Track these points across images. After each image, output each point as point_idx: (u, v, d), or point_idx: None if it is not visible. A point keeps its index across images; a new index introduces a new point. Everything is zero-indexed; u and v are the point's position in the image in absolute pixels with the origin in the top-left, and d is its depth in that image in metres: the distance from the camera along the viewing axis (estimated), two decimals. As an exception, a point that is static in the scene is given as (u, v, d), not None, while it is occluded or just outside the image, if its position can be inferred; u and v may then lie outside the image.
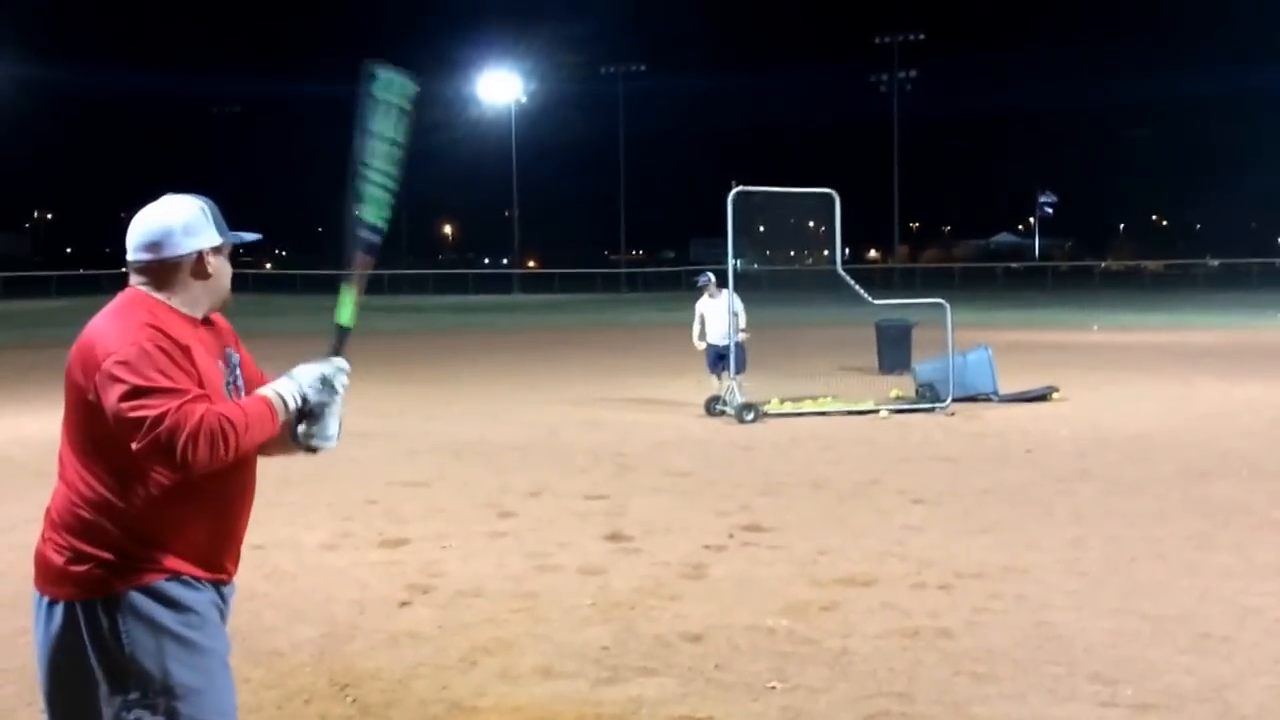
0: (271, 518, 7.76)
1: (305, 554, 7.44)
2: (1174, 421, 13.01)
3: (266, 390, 2.88)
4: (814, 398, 14.45)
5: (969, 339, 16.38)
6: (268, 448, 2.97)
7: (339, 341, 3.03)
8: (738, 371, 13.76)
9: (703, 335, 14.33)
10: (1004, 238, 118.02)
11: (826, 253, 16.37)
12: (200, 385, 2.76)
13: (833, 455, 11.12)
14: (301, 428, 2.93)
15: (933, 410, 13.87)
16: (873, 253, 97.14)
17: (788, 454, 11.22)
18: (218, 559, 2.92)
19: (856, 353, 18.93)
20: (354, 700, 4.98)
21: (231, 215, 3.04)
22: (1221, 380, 16.87)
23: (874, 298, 15.24)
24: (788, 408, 13.94)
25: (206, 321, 2.97)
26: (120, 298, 2.89)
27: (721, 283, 14.18)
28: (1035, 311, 37.95)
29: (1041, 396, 14.78)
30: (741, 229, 14.65)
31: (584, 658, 5.44)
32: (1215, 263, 68.45)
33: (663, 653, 5.50)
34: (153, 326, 2.76)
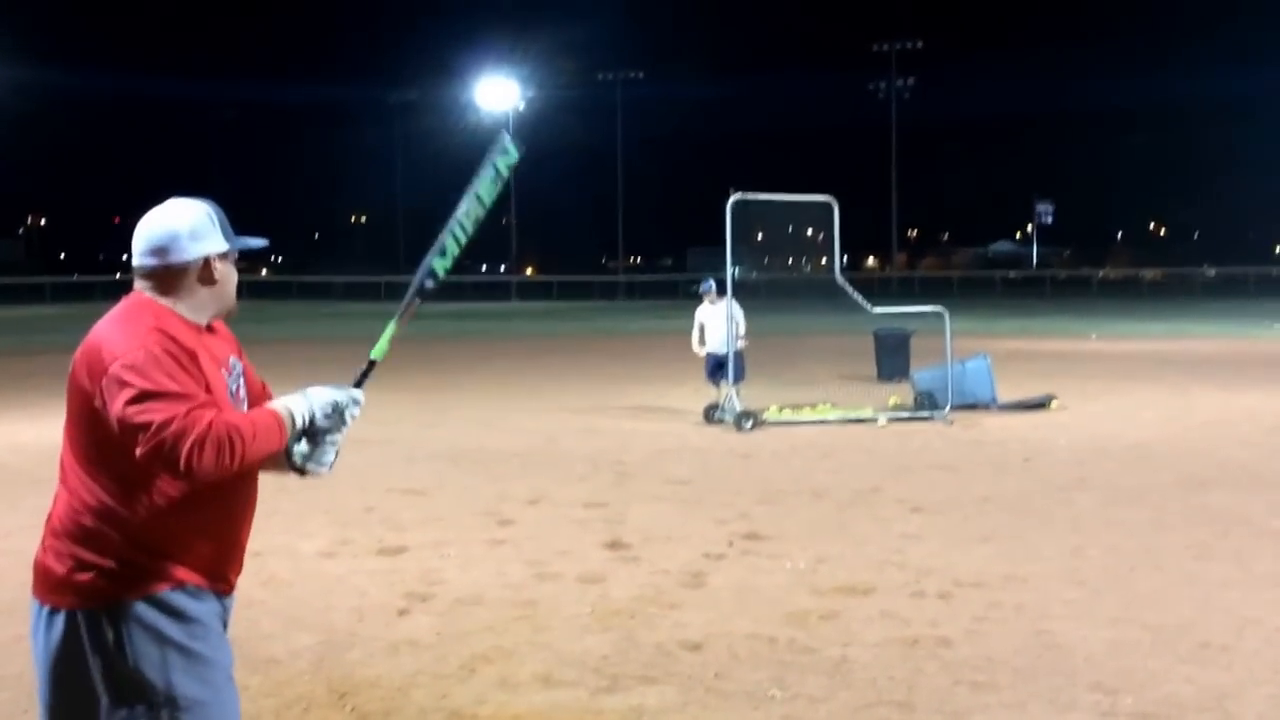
0: (268, 525, 7.74)
1: (303, 561, 7.42)
2: (1173, 430, 13.01)
3: (277, 404, 2.86)
4: (813, 406, 14.45)
5: (967, 347, 16.38)
6: (263, 461, 2.95)
7: (365, 373, 3.07)
8: (736, 380, 13.75)
9: (702, 342, 14.34)
10: (1002, 246, 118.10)
11: (825, 260, 16.31)
12: (207, 392, 2.74)
13: (832, 463, 11.11)
14: (299, 447, 2.92)
15: (931, 418, 13.87)
16: (871, 260, 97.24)
17: (787, 462, 11.21)
18: (221, 569, 2.90)
19: (855, 361, 18.93)
20: (353, 709, 4.97)
21: (228, 221, 3.04)
22: (1220, 389, 16.87)
23: (872, 305, 15.23)
24: (786, 416, 13.93)
25: (210, 329, 2.96)
26: (126, 302, 2.87)
27: (721, 290, 14.18)
28: (1033, 320, 37.96)
29: (1040, 405, 14.78)
30: (740, 237, 14.63)
31: (584, 666, 5.43)
32: (1213, 271, 68.49)
33: (663, 661, 5.49)
34: (160, 331, 2.74)
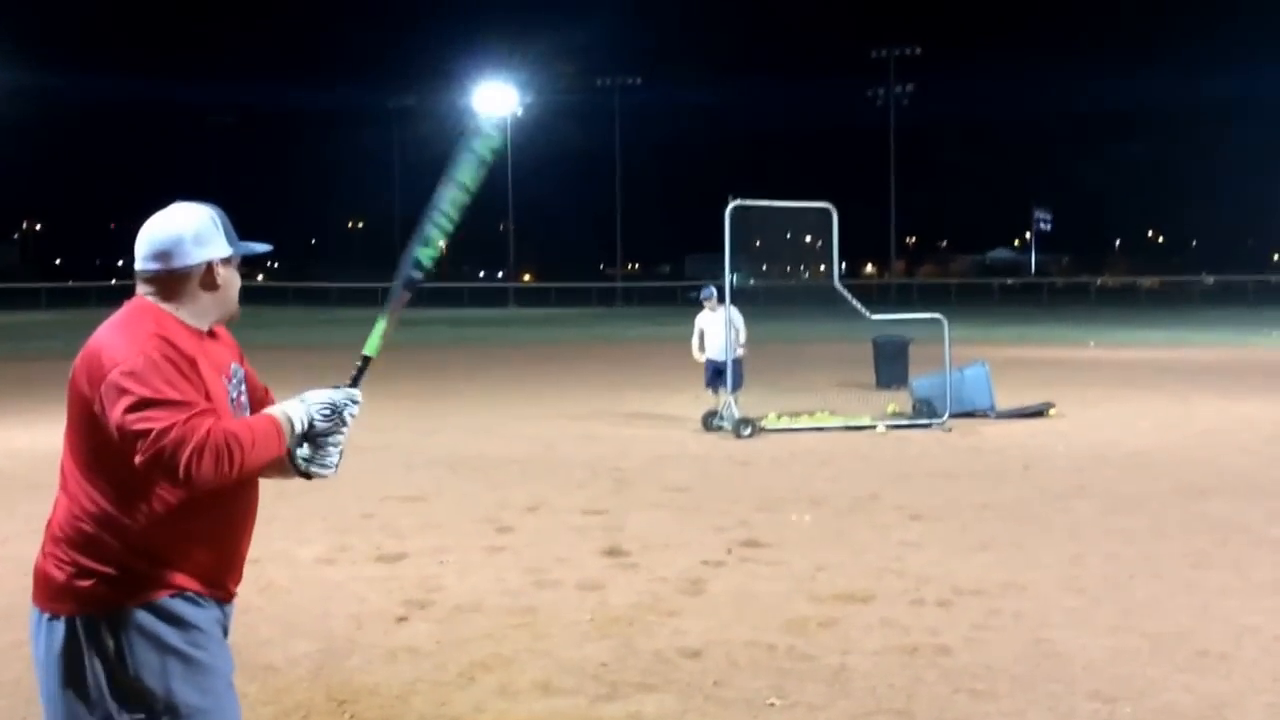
0: (266, 531, 7.69)
1: (301, 568, 7.41)
2: (1171, 438, 13.01)
3: (275, 410, 2.85)
4: (811, 413, 14.45)
5: (966, 355, 16.39)
6: (264, 468, 2.95)
7: (359, 372, 3.04)
8: (735, 387, 13.75)
9: (702, 348, 14.34)
10: (1000, 253, 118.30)
11: (823, 267, 16.32)
12: (207, 399, 2.73)
13: (830, 471, 11.11)
14: (302, 451, 2.91)
15: (930, 426, 13.88)
16: (869, 267, 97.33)
17: (786, 469, 11.21)
18: (221, 577, 2.89)
19: (854, 368, 18.92)
20: (351, 716, 4.96)
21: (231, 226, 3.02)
22: (1219, 397, 16.88)
23: (871, 312, 15.23)
24: (785, 423, 13.93)
25: (211, 334, 2.94)
26: (127, 307, 2.85)
27: (721, 297, 14.18)
28: (1032, 327, 38.00)
29: (1038, 413, 14.79)
30: (739, 244, 14.63)
31: (583, 673, 5.42)
32: (1211, 279, 68.61)
33: (661, 669, 5.48)
34: (161, 337, 2.72)
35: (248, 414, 2.94)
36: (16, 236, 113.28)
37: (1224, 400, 16.53)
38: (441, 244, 3.18)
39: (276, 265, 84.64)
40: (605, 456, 11.90)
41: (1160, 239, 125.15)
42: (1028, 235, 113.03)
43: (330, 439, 2.92)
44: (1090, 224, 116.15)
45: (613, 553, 7.80)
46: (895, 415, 14.59)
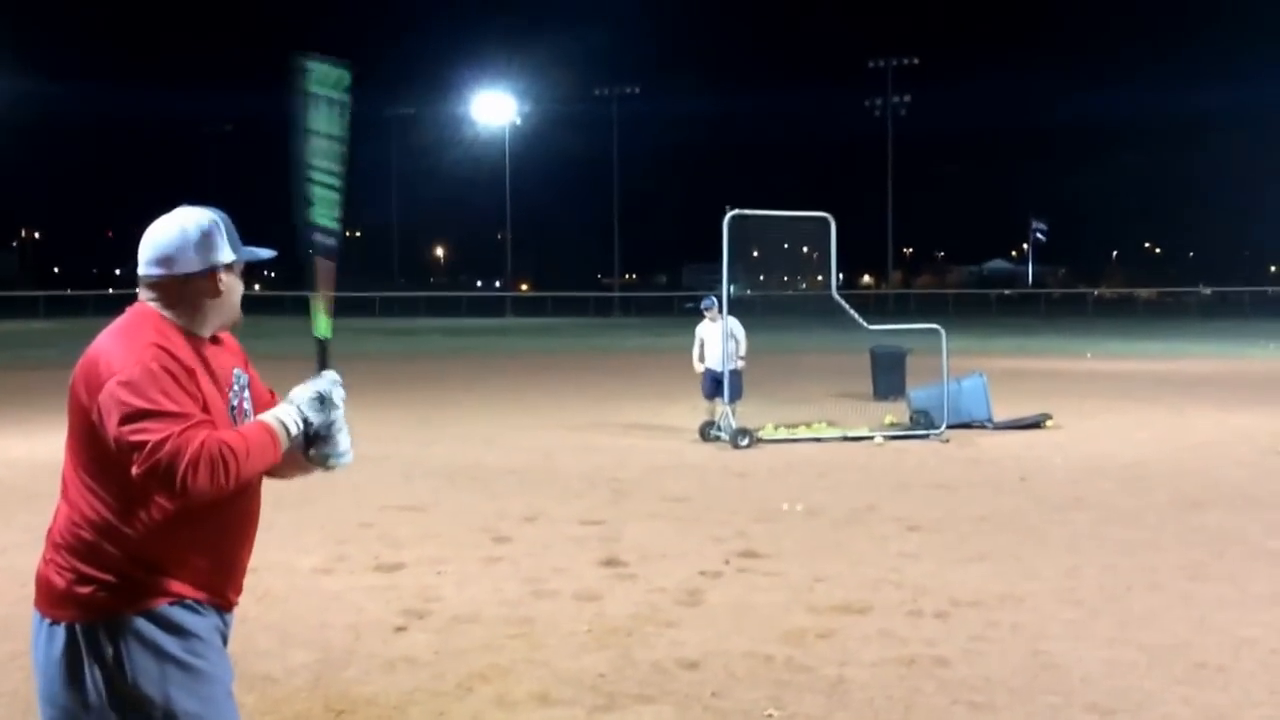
0: (264, 540, 7.65)
1: (299, 577, 7.40)
2: (1168, 450, 13.02)
3: (267, 417, 2.83)
4: (809, 424, 14.46)
5: (963, 366, 16.40)
6: (282, 471, 2.94)
7: (322, 355, 3.00)
8: (732, 398, 13.76)
9: (702, 358, 14.35)
10: (997, 264, 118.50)
11: (821, 278, 16.33)
12: (204, 409, 2.72)
13: (828, 482, 11.11)
14: (313, 450, 2.91)
15: (927, 437, 13.88)
16: (867, 278, 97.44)
17: (783, 480, 11.21)
18: (221, 585, 2.89)
19: (851, 379, 18.94)
20: (349, 726, 4.95)
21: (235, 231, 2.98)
22: (1216, 409, 16.90)
23: (868, 323, 15.25)
24: (782, 433, 13.93)
25: (214, 340, 2.93)
26: (128, 314, 2.84)
27: (721, 308, 14.18)
28: (1029, 338, 38.03)
29: (1035, 424, 14.79)
30: (736, 254, 14.65)
31: (580, 684, 5.42)
32: (1208, 291, 68.79)
33: (659, 680, 5.48)
34: (159, 346, 2.71)
35: (254, 418, 2.94)
36: (15, 245, 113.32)
37: (1221, 412, 16.55)
38: (337, 198, 3.07)
39: (273, 274, 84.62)
40: (603, 467, 11.90)
41: (1157, 250, 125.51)
42: (1025, 246, 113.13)
43: (331, 428, 2.91)
44: (1087, 235, 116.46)
45: (610, 563, 7.79)
46: (893, 426, 14.60)
